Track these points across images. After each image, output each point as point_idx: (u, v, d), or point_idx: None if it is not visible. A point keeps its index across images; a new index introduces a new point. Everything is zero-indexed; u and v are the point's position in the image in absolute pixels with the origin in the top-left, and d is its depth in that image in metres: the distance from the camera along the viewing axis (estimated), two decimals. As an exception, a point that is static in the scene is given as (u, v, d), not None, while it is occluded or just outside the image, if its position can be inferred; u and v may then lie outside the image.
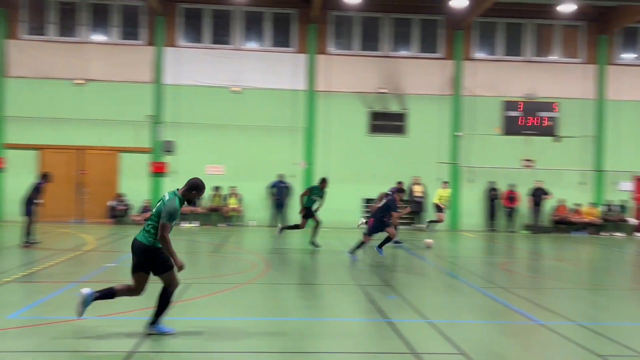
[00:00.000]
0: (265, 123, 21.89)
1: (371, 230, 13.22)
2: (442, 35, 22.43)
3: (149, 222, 6.44)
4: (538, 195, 21.68)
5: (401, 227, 21.71)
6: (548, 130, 22.30)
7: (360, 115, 22.27)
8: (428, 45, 22.49)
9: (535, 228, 21.76)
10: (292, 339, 6.76)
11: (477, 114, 22.29)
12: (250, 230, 20.63)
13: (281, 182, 21.59)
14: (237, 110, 21.86)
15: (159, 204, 6.48)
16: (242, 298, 8.98)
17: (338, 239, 17.73)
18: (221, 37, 22.19)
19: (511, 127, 22.31)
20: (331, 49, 22.31)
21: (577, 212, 21.92)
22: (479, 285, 10.50)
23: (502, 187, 22.13)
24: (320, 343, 6.71)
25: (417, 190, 21.60)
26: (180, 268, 6.41)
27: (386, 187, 21.88)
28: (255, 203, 21.81)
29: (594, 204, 22.09)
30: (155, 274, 6.51)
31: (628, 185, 22.55)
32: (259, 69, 21.96)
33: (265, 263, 12.55)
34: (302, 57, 22.05)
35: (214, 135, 21.79)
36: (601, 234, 21.69)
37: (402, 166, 21.99)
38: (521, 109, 22.26)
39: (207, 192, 21.52)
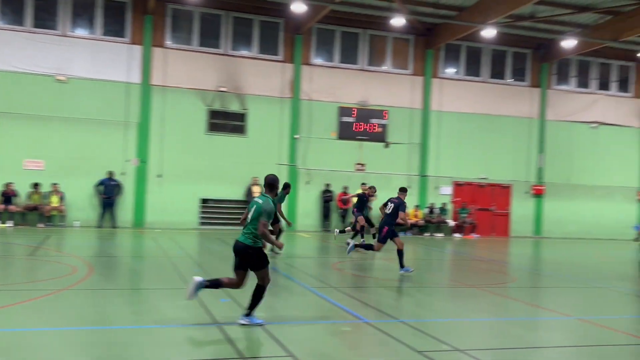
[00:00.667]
0: (94, 116, 20.47)
1: (384, 238, 12.73)
2: (282, 38, 22.63)
3: (249, 226, 7.33)
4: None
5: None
6: (378, 137, 23.47)
7: (199, 113, 21.71)
8: (269, 47, 22.56)
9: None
10: (112, 349, 6.25)
11: (315, 118, 22.82)
12: (73, 231, 19.13)
13: (110, 179, 20.35)
14: (62, 101, 20.19)
15: (254, 208, 7.33)
16: (58, 306, 8.18)
17: (172, 240, 17.07)
18: (46, 21, 20.35)
19: (346, 132, 23.15)
20: (168, 42, 21.48)
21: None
22: (311, 285, 10.63)
23: (336, 190, 22.87)
24: (146, 352, 6.27)
25: (256, 191, 21.54)
26: (281, 247, 7.98)
27: (225, 187, 21.79)
28: (80, 202, 20.30)
29: (418, 207, 23.64)
30: (252, 270, 7.38)
31: (448, 190, 24.49)
32: (88, 58, 20.49)
33: (88, 267, 11.63)
34: (137, 49, 20.97)
35: (34, 127, 19.91)
36: (424, 234, 23.30)
37: (242, 166, 21.84)
38: (355, 115, 23.19)
39: (25, 189, 19.63)
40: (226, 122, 22.04)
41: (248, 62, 22.24)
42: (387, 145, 23.60)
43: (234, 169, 21.80)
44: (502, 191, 25.15)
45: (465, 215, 24.01)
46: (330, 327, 7.77)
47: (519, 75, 25.47)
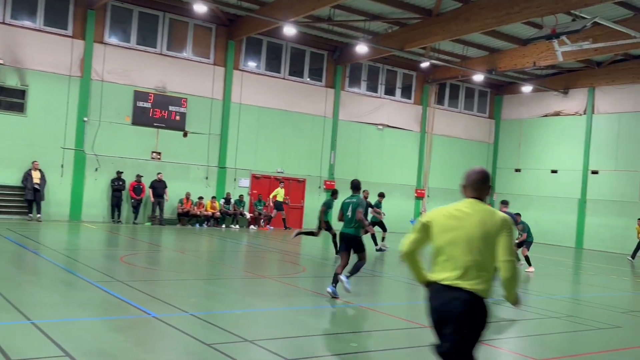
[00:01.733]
0: None
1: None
2: (72, 11, 20.80)
3: (352, 221, 9.85)
4: (160, 187, 21.92)
5: (16, 217, 19.45)
6: (177, 125, 22.78)
7: (-32, 87, 19.07)
8: (57, 20, 20.57)
9: (158, 220, 21.98)
10: None
11: (107, 101, 21.38)
12: None
13: None
14: None
15: (350, 207, 9.94)
16: None
17: None
18: None
19: (141, 118, 22.06)
20: None
21: (200, 205, 22.93)
22: (95, 279, 9.89)
23: (129, 178, 21.72)
24: None
25: (36, 176, 19.57)
26: (367, 232, 11.69)
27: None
28: None
29: (216, 198, 23.46)
30: (355, 252, 9.91)
31: (246, 182, 24.68)
32: None
33: None
34: None
35: None
36: (222, 226, 23.20)
37: (19, 148, 19.69)
38: (152, 101, 22.22)
39: None
40: (1, 98, 19.67)
41: (31, 33, 20.06)
42: (185, 134, 23.02)
43: (9, 151, 19.56)
44: (298, 185, 26.06)
45: (261, 207, 24.41)
46: (114, 323, 7.27)
47: (316, 75, 26.57)
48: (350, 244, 9.94)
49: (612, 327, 9.31)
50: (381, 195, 19.74)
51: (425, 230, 4.09)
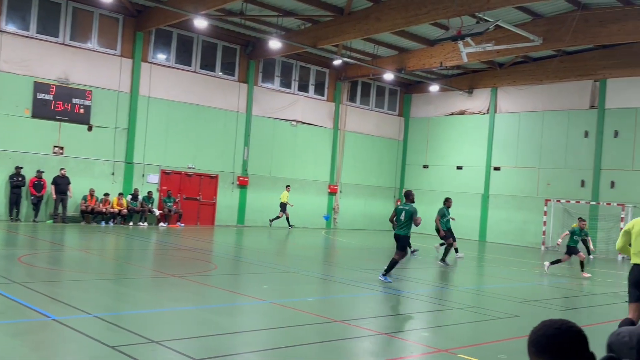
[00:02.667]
0: None
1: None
2: (-35, -5, 19.41)
3: (405, 223, 12.04)
4: (63, 183, 20.92)
5: None
6: (81, 118, 21.78)
7: None
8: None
9: (61, 218, 20.97)
10: None
11: (4, 92, 20.11)
12: None
13: None
14: None
15: (403, 213, 12.07)
16: None
17: None
18: None
19: (42, 111, 20.91)
20: None
21: (106, 202, 22.07)
22: (-11, 282, 9.28)
23: (29, 174, 20.55)
24: None
25: None
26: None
27: None
28: None
29: (123, 195, 22.65)
30: (398, 248, 12.11)
31: (155, 178, 23.98)
32: None
33: None
34: None
35: None
36: (130, 224, 22.44)
37: None
38: (53, 93, 21.11)
39: None
40: None
41: None
42: (90, 128, 22.06)
43: None
44: (210, 181, 25.64)
45: (170, 204, 23.81)
46: (10, 328, 6.85)
47: (228, 69, 26.22)
48: (398, 241, 12.14)
49: (511, 316, 9.81)
50: (447, 200, 17.78)
51: (628, 234, 7.55)
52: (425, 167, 31.79)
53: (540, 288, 14.07)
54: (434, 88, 29.94)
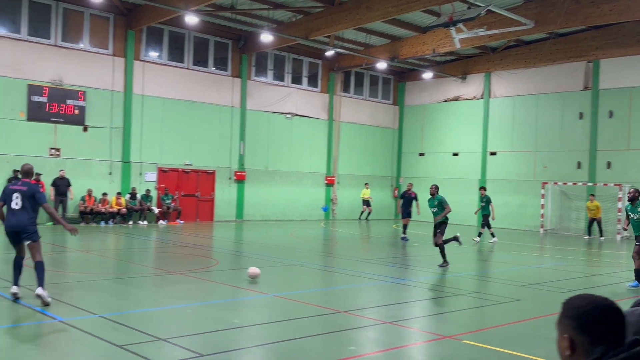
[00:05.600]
0: None
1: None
2: (-46, 0, 19.31)
3: (438, 212, 13.39)
4: (62, 185, 20.94)
5: None
6: (76, 119, 21.75)
7: None
8: None
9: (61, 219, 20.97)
10: None
11: (-2, 96, 20.08)
12: None
13: None
14: None
15: (436, 203, 13.45)
16: None
17: None
18: None
19: (37, 113, 20.87)
20: None
21: (104, 202, 22.08)
22: (-7, 286, 9.33)
23: (26, 177, 20.53)
24: None
25: None
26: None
27: None
28: None
29: (121, 194, 22.67)
30: (437, 231, 13.33)
31: (152, 176, 23.99)
32: None
33: None
34: None
35: None
36: (130, 223, 22.47)
37: None
38: (47, 95, 21.06)
39: None
40: None
41: None
42: (85, 129, 22.03)
43: None
44: (207, 177, 25.66)
45: (169, 201, 23.84)
46: (16, 331, 6.91)
47: (221, 64, 26.17)
48: (438, 228, 13.42)
49: (513, 300, 9.90)
50: (482, 188, 21.51)
51: None
52: (421, 154, 31.85)
53: (541, 271, 14.18)
54: (428, 75, 29.94)
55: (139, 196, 23.01)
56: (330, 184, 30.04)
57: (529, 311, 9.08)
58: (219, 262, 13.86)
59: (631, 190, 11.85)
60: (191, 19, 21.00)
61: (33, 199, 8.19)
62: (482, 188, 21.62)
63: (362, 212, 29.40)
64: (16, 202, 8.11)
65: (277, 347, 6.60)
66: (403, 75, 32.51)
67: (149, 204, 23.18)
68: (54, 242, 16.59)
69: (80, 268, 12.26)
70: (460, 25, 19.71)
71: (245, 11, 23.00)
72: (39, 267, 8.15)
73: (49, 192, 20.85)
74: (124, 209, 22.45)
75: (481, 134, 29.21)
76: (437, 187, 13.96)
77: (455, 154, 30.22)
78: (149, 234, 19.77)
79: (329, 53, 26.88)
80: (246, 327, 7.61)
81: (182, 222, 23.91)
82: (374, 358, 6.39)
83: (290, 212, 27.74)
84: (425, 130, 31.77)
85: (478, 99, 29.56)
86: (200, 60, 25.38)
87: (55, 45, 21.41)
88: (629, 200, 11.75)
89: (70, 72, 21.62)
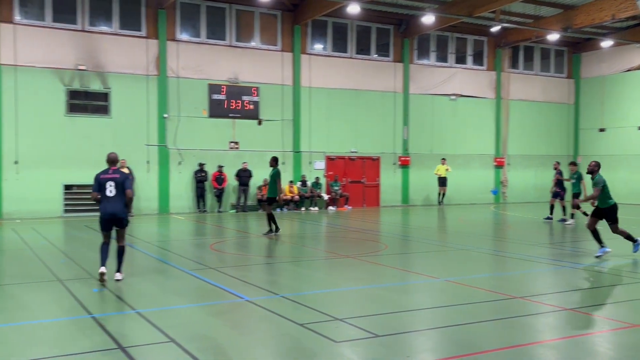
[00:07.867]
0: None
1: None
2: (144, 13, 21.62)
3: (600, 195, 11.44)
4: (245, 176, 22.63)
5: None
6: (251, 114, 23.33)
7: (57, 94, 20.30)
8: (131, 22, 21.47)
9: (242, 207, 22.69)
10: (-30, 353, 5.73)
11: (184, 96, 22.18)
12: None
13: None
14: None
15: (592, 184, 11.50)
16: None
17: (34, 230, 15.93)
18: None
19: (217, 110, 22.76)
20: (18, 18, 19.76)
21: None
22: (188, 267, 10.42)
23: (211, 169, 22.50)
24: (16, 351, 5.80)
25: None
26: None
27: (90, 172, 20.49)
28: None
29: (293, 182, 23.90)
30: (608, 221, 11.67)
31: (321, 164, 24.97)
32: None
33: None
34: (-20, 25, 19.07)
35: None
36: (302, 209, 23.65)
37: (107, 149, 20.43)
38: (224, 93, 22.83)
39: None
40: (87, 102, 20.81)
41: (109, 38, 21.05)
42: (260, 123, 23.53)
43: (98, 152, 20.57)
44: (372, 163, 26.09)
45: (337, 188, 24.65)
46: (210, 308, 7.67)
47: (383, 50, 26.34)
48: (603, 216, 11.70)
49: None
50: (572, 164, 18.60)
51: None
52: (601, 130, 29.41)
53: None
54: (607, 44, 27.49)
55: (309, 184, 24.09)
56: (499, 166, 28.94)
57: None
58: (387, 246, 14.08)
59: None
60: (353, 9, 21.38)
61: (123, 186, 9.03)
62: (573, 163, 18.52)
63: (440, 194, 26.14)
64: (110, 190, 9.01)
65: (452, 331, 6.60)
66: (578, 46, 30.19)
67: (318, 190, 24.18)
68: (237, 228, 18.01)
69: (261, 252, 13.19)
70: (644, -15, 17.81)
71: (406, -5, 22.86)
72: (122, 252, 9.17)
73: (234, 181, 22.59)
74: (297, 197, 23.65)
75: (673, 105, 26.21)
76: (597, 165, 11.67)
77: (642, 128, 27.48)
78: (320, 220, 20.63)
79: (495, 29, 25.82)
80: (418, 310, 7.70)
81: (350, 207, 24.59)
82: (557, 345, 6.15)
83: (457, 196, 27.19)
84: (606, 104, 29.25)
85: (668, 66, 26.53)
86: (362, 49, 25.78)
87: (230, 46, 23.08)
88: None
89: (244, 69, 23.20)
